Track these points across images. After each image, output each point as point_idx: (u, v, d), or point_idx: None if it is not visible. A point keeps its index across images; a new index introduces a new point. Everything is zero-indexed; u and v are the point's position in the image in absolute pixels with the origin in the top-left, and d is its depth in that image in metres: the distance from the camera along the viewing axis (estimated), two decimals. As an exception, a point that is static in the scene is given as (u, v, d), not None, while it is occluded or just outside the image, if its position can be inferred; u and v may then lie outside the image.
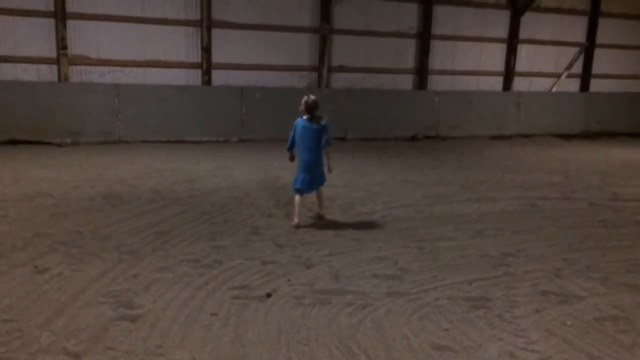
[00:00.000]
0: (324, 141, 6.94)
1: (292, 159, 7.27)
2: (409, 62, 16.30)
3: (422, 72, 16.33)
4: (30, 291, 4.78)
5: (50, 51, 12.56)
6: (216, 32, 13.88)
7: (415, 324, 4.40)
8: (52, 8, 12.34)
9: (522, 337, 4.22)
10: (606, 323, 4.50)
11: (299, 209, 7.03)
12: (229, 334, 4.16)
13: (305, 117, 6.92)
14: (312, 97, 6.92)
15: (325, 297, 4.86)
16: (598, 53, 18.57)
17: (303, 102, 6.89)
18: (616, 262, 6.01)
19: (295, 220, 6.98)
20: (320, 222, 7.19)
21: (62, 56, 12.54)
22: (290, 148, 7.14)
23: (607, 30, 18.48)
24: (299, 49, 14.92)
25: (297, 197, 7.04)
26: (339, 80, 15.54)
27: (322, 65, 15.07)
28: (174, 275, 5.23)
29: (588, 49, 18.48)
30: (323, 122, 6.94)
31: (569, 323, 4.47)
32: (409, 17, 15.99)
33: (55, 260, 5.50)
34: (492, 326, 4.39)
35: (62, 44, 12.48)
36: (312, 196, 7.41)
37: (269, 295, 4.86)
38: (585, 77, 18.68)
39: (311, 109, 6.83)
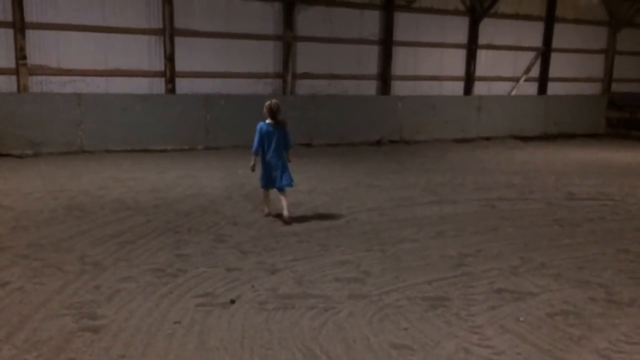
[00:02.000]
0: (288, 144, 7.54)
1: (253, 168, 7.62)
2: (372, 68, 16.55)
3: (385, 77, 16.60)
4: (-10, 305, 4.74)
5: (9, 61, 12.35)
6: (179, 41, 13.86)
7: (375, 324, 4.53)
8: (10, 18, 12.14)
9: (478, 333, 4.38)
10: (557, 318, 4.71)
11: (267, 200, 7.78)
12: (193, 341, 4.21)
13: (268, 121, 7.35)
14: (275, 101, 7.41)
15: (289, 301, 4.95)
16: (554, 57, 19.19)
17: (266, 106, 7.32)
18: (569, 259, 6.26)
19: (266, 210, 7.76)
20: (283, 226, 7.33)
21: (21, 66, 12.35)
22: (257, 151, 7.43)
23: (562, 35, 19.13)
24: (263, 57, 15.00)
25: (264, 191, 7.78)
26: (304, 87, 15.68)
27: (286, 72, 15.18)
28: (138, 285, 5.25)
29: (545, 53, 19.07)
30: (285, 125, 7.44)
31: (522, 319, 4.66)
32: (371, 24, 16.24)
33: (16, 274, 5.44)
34: (450, 324, 4.54)
35: (21, 54, 12.29)
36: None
37: (232, 301, 4.92)
38: (543, 81, 19.27)
39: (274, 113, 7.28)
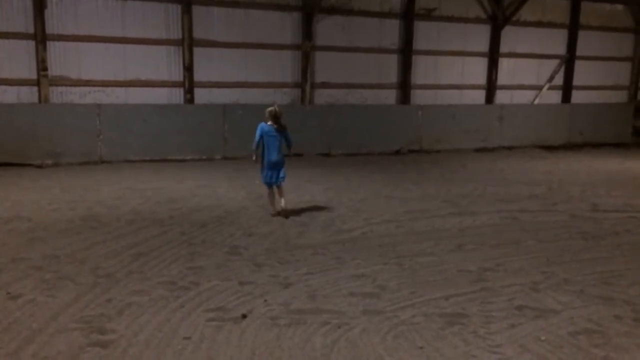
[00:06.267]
0: (289, 142, 8.22)
1: (256, 160, 8.26)
2: (392, 77, 16.42)
3: (405, 86, 16.45)
4: (1, 318, 4.71)
5: (31, 73, 12.54)
6: (198, 51, 13.92)
7: (390, 342, 4.38)
8: (32, 30, 12.33)
9: (496, 353, 4.21)
10: (581, 337, 4.51)
11: (272, 199, 8.28)
12: (202, 358, 4.11)
13: (269, 123, 8.04)
14: (278, 107, 8.18)
15: (301, 317, 4.83)
16: (579, 65, 18.82)
17: (270, 111, 8.05)
18: (593, 274, 6.03)
19: (273, 210, 8.26)
20: (284, 215, 8.11)
21: (42, 77, 12.51)
22: (257, 147, 8.15)
23: (586, 43, 18.77)
24: (282, 66, 14.99)
25: (268, 191, 8.34)
26: (322, 97, 15.61)
27: (304, 81, 15.13)
28: (149, 299, 5.18)
29: (569, 61, 18.72)
30: (286, 128, 8.13)
31: (543, 338, 4.47)
32: (391, 33, 16.13)
33: (30, 286, 5.43)
34: (467, 343, 4.37)
35: (42, 65, 12.46)
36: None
37: (244, 316, 4.83)
38: (567, 89, 18.91)
39: (277, 117, 8.00)
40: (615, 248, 7.06)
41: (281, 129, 8.05)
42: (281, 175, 8.22)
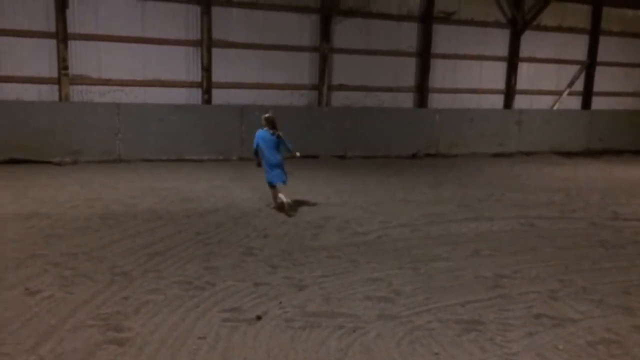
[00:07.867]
0: (289, 146, 8.69)
1: (259, 164, 8.82)
2: (409, 80, 16.35)
3: (422, 90, 16.37)
4: (20, 314, 4.76)
5: (51, 71, 12.68)
6: (216, 52, 13.99)
7: (405, 348, 4.35)
8: (53, 29, 12.48)
9: (513, 361, 4.16)
10: (599, 347, 4.44)
11: (274, 195, 8.77)
12: (216, 358, 4.12)
13: (266, 128, 8.61)
14: (272, 114, 8.72)
15: (316, 320, 4.82)
16: (599, 70, 18.58)
17: (267, 117, 8.64)
18: (612, 283, 5.94)
19: (274, 204, 8.88)
20: (288, 217, 8.35)
21: (63, 76, 12.65)
22: (256, 153, 8.75)
23: (607, 48, 18.52)
24: (299, 68, 15.00)
25: (272, 189, 8.83)
26: (340, 99, 15.59)
27: (322, 83, 15.13)
28: (165, 298, 5.21)
29: (589, 67, 18.50)
30: (280, 134, 8.62)
31: (561, 347, 4.41)
32: (409, 36, 16.07)
33: (47, 282, 5.48)
34: (483, 350, 4.33)
35: (63, 64, 12.60)
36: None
37: (259, 318, 4.83)
38: (587, 95, 18.67)
39: (273, 123, 8.61)
40: (635, 257, 6.95)
41: (277, 134, 8.57)
42: (282, 178, 8.67)
